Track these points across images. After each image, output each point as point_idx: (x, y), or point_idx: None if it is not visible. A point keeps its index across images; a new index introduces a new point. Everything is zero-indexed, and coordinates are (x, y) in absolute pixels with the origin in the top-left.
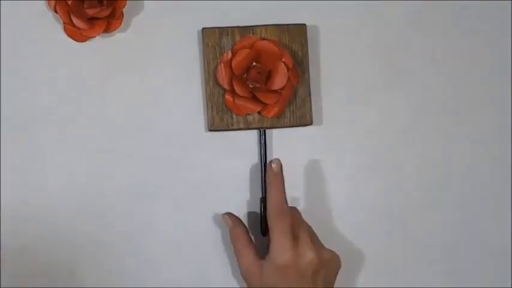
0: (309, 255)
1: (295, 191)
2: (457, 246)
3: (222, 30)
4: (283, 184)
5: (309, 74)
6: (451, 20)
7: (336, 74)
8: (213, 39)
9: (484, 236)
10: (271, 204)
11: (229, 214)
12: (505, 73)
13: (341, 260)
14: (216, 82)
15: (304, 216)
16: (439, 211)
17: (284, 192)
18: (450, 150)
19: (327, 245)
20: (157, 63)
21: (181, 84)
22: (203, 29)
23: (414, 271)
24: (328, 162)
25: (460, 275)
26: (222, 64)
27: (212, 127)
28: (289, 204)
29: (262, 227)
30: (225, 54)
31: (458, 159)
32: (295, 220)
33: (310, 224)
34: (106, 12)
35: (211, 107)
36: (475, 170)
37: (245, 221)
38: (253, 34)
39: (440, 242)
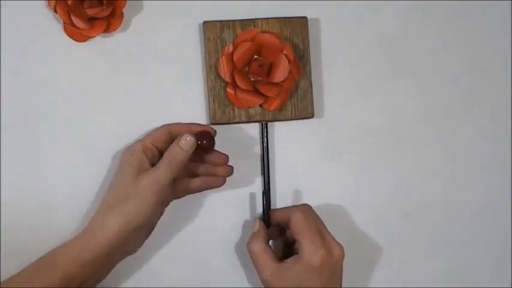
0: (336, 251)
1: (296, 184)
2: (457, 245)
3: (223, 24)
4: None
5: (310, 67)
6: (453, 14)
7: (337, 67)
8: (214, 32)
9: (484, 236)
10: (298, 209)
11: (260, 220)
12: (505, 71)
13: (341, 256)
14: (218, 75)
15: None
16: (440, 209)
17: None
18: (451, 144)
19: None
20: (157, 63)
21: (182, 79)
22: (204, 22)
23: (413, 270)
24: (329, 154)
25: (460, 275)
26: (223, 57)
27: (214, 120)
28: (292, 197)
29: (265, 220)
30: (227, 47)
31: (459, 155)
32: (315, 217)
33: None
34: (106, 12)
35: (213, 100)
36: (475, 168)
37: (247, 213)
38: (254, 27)
39: (440, 241)
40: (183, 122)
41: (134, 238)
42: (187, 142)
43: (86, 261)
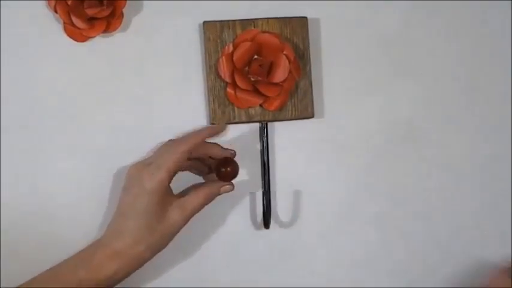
0: None
1: (296, 184)
2: (457, 246)
3: (223, 24)
4: None
5: (310, 67)
6: (453, 14)
7: (337, 67)
8: (214, 32)
9: (484, 236)
10: None
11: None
12: (505, 71)
13: (341, 255)
14: (218, 75)
15: (305, 209)
16: (440, 208)
17: None
18: (452, 144)
19: (326, 240)
20: (157, 63)
21: (182, 79)
22: (204, 22)
23: (413, 270)
24: (329, 154)
25: (460, 274)
26: (223, 57)
27: (214, 120)
28: (292, 198)
29: (265, 220)
30: (227, 47)
31: (459, 155)
32: None
33: (310, 216)
34: (106, 12)
35: (213, 100)
36: (476, 168)
37: (247, 213)
38: (254, 27)
39: (440, 241)
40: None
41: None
42: (227, 190)
43: (113, 278)
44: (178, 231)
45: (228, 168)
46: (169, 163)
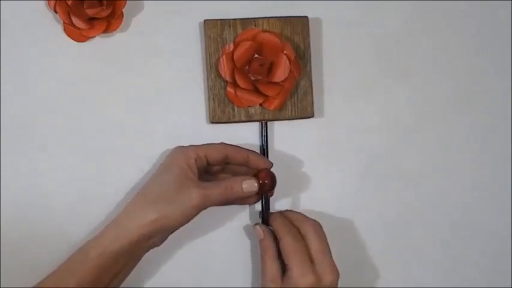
0: (328, 278)
1: (296, 183)
2: (457, 246)
3: (224, 22)
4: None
5: (310, 67)
6: (453, 14)
7: (338, 66)
8: (215, 31)
9: (484, 236)
10: (288, 233)
11: (261, 225)
12: (505, 71)
13: (340, 255)
14: (218, 74)
15: (304, 208)
16: (440, 208)
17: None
18: (452, 143)
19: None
20: (157, 62)
21: (182, 79)
22: (205, 20)
23: (413, 270)
24: (329, 154)
25: (460, 275)
26: (224, 56)
27: (214, 119)
28: (291, 197)
29: (264, 219)
30: (227, 46)
31: (459, 155)
32: (311, 237)
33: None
34: (106, 12)
35: (213, 99)
36: (475, 168)
37: (246, 212)
38: (255, 26)
39: (440, 241)
40: (236, 144)
41: (163, 235)
42: (249, 186)
43: (117, 252)
44: (192, 211)
45: (266, 181)
46: (201, 146)
